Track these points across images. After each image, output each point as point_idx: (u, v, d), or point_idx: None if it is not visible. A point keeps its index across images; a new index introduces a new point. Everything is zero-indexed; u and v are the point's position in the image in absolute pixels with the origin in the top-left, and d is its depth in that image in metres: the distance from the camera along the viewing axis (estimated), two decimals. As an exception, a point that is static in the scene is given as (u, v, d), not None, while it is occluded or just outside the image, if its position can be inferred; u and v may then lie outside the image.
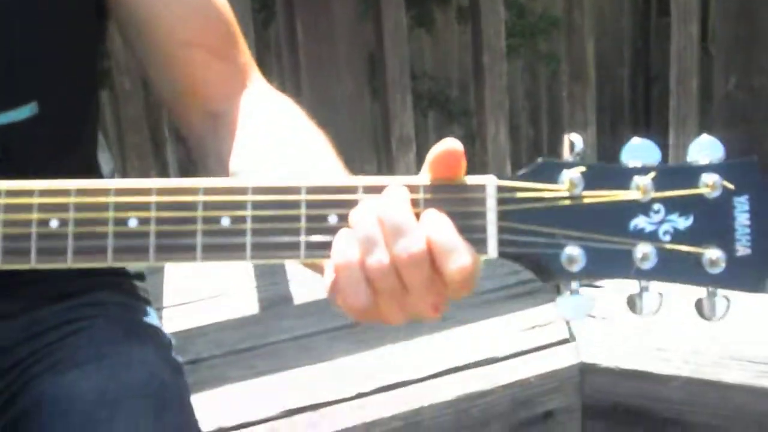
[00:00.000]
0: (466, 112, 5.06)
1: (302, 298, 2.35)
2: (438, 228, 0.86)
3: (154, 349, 1.28)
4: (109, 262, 0.95)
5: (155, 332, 1.33)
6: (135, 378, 1.21)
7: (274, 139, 1.16)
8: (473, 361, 2.06)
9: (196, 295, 2.39)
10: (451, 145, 0.87)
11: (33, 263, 0.97)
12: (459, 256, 0.85)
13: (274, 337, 2.19)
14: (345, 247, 0.87)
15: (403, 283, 0.86)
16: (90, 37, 1.31)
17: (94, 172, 1.35)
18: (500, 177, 0.87)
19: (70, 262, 0.96)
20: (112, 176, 1.40)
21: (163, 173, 3.07)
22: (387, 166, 2.99)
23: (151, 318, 1.36)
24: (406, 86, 2.98)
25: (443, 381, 2.02)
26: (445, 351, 2.11)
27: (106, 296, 1.32)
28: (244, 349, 2.16)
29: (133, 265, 1.26)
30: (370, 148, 3.05)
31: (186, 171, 3.63)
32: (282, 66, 3.06)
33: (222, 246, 0.92)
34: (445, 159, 0.87)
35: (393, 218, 0.86)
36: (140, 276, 1.40)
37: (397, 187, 0.88)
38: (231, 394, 2.01)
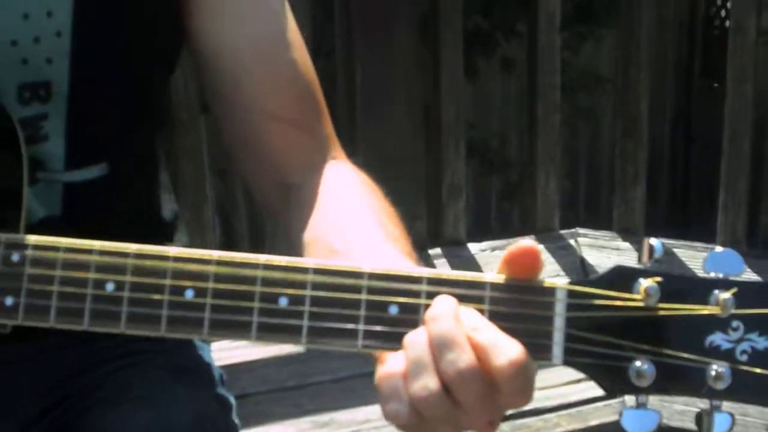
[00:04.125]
0: (505, 163, 4.96)
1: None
2: (475, 326, 0.80)
3: (204, 387, 1.25)
4: (162, 332, 0.90)
5: (206, 368, 1.29)
6: (184, 417, 1.17)
7: (350, 217, 1.10)
8: (520, 410, 2.00)
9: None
10: (526, 244, 0.81)
11: (85, 325, 0.93)
12: (506, 349, 0.78)
13: (318, 377, 2.15)
14: (393, 371, 0.81)
15: (455, 402, 0.79)
16: (161, 97, 1.28)
17: (154, 218, 1.31)
18: (573, 282, 0.81)
19: (122, 328, 0.92)
20: (173, 220, 1.35)
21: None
22: (436, 214, 2.93)
23: (204, 352, 1.31)
24: (460, 134, 2.93)
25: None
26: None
27: None
28: (289, 387, 2.12)
29: (186, 337, 1.22)
30: (420, 194, 3.00)
31: (222, 207, 3.59)
32: (337, 106, 3.02)
33: (278, 327, 0.87)
34: (520, 258, 0.81)
35: (438, 333, 0.79)
36: None
37: (444, 298, 0.82)
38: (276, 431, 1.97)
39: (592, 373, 0.80)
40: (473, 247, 2.84)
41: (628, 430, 0.79)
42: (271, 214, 1.21)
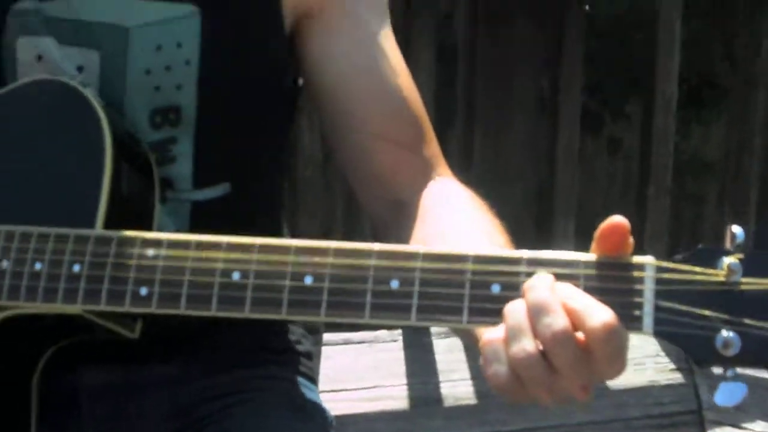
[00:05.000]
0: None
1: (452, 401, 2.35)
2: (569, 295, 0.88)
3: (318, 427, 1.33)
4: (283, 314, 1.00)
5: (319, 410, 1.37)
6: None
7: (454, 226, 1.18)
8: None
9: (350, 384, 2.41)
10: (617, 220, 0.89)
11: (213, 311, 1.03)
12: (598, 313, 0.86)
13: (422, 434, 2.20)
14: (494, 337, 0.90)
15: (551, 366, 0.87)
16: (284, 129, 1.39)
17: None
18: (659, 258, 0.89)
19: (247, 312, 1.01)
20: None
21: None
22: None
23: (316, 396, 1.40)
24: (570, 213, 2.99)
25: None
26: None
27: (276, 371, 1.37)
28: (395, 442, 2.17)
29: (304, 320, 1.31)
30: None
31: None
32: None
33: (390, 306, 0.96)
34: (611, 234, 0.89)
35: (534, 300, 0.88)
36: (308, 355, 1.44)
37: (541, 274, 0.90)
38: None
39: (682, 343, 0.87)
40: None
41: (719, 403, 0.86)
42: (383, 230, 1.29)
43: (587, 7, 3.12)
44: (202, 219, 1.25)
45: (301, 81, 1.35)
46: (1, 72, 1.24)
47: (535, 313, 0.87)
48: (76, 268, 1.08)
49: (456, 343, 2.52)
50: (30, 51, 1.23)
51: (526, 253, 0.93)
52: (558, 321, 0.86)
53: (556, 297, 0.87)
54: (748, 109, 3.25)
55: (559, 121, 2.95)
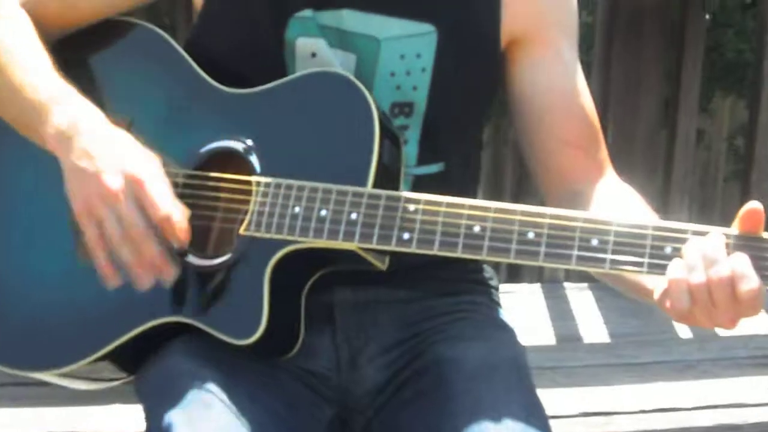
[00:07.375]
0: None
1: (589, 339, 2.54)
2: (740, 261, 1.13)
3: (514, 338, 1.53)
4: (511, 259, 1.24)
5: (510, 327, 1.56)
6: (507, 354, 1.45)
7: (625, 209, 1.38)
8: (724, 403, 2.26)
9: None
10: (754, 206, 1.15)
11: (459, 253, 1.25)
12: (749, 282, 1.12)
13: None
14: (677, 270, 1.16)
15: (712, 300, 1.13)
16: (484, 123, 1.58)
17: None
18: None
19: (484, 255, 1.25)
20: None
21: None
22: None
23: (504, 317, 1.61)
24: (685, 190, 3.20)
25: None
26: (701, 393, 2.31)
27: (479, 298, 1.57)
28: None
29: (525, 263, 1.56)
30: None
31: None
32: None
33: (588, 259, 1.21)
34: (750, 215, 1.15)
35: (712, 253, 1.14)
36: (497, 288, 1.65)
37: (717, 234, 1.16)
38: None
39: None
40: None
41: None
42: None
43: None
44: (420, 188, 1.35)
45: None
46: (283, 63, 1.40)
47: (710, 262, 1.13)
48: (354, 215, 1.27)
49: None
50: (307, 49, 1.39)
51: (691, 226, 1.18)
52: (724, 270, 1.13)
53: (725, 256, 1.14)
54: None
55: (679, 111, 3.13)
